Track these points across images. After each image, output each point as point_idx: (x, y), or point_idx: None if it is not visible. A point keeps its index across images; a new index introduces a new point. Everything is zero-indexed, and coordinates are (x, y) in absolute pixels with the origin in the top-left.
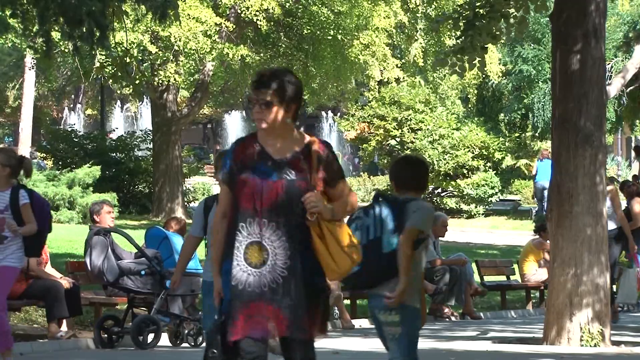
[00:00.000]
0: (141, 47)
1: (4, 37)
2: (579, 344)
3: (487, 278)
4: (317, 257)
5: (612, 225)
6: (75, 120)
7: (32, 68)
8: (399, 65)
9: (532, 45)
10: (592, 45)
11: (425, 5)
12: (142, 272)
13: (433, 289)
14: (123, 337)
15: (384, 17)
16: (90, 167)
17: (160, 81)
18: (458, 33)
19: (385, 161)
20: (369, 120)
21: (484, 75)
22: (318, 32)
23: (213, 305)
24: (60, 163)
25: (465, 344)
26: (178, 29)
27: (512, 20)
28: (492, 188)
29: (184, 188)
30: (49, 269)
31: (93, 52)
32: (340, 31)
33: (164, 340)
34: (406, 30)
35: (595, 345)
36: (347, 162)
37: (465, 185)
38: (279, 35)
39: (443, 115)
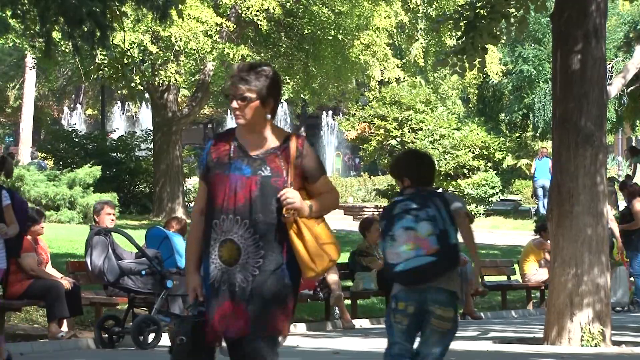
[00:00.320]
0: (142, 47)
1: (4, 37)
2: (579, 344)
3: (487, 278)
4: (294, 256)
5: None
6: (76, 120)
7: (33, 68)
8: (399, 65)
9: (533, 45)
10: (593, 45)
11: (425, 5)
12: (143, 272)
13: None
14: (123, 337)
15: (385, 17)
16: (90, 167)
17: (161, 81)
18: (459, 33)
19: (386, 161)
20: (369, 120)
21: (484, 75)
22: (319, 32)
23: None
24: (60, 163)
25: (465, 344)
26: (179, 29)
27: (512, 21)
28: (493, 188)
29: (185, 188)
30: (50, 269)
31: (93, 52)
32: (340, 31)
33: (165, 340)
34: (407, 30)
35: (595, 345)
36: (348, 162)
37: (466, 185)
38: (280, 35)
39: (444, 115)
